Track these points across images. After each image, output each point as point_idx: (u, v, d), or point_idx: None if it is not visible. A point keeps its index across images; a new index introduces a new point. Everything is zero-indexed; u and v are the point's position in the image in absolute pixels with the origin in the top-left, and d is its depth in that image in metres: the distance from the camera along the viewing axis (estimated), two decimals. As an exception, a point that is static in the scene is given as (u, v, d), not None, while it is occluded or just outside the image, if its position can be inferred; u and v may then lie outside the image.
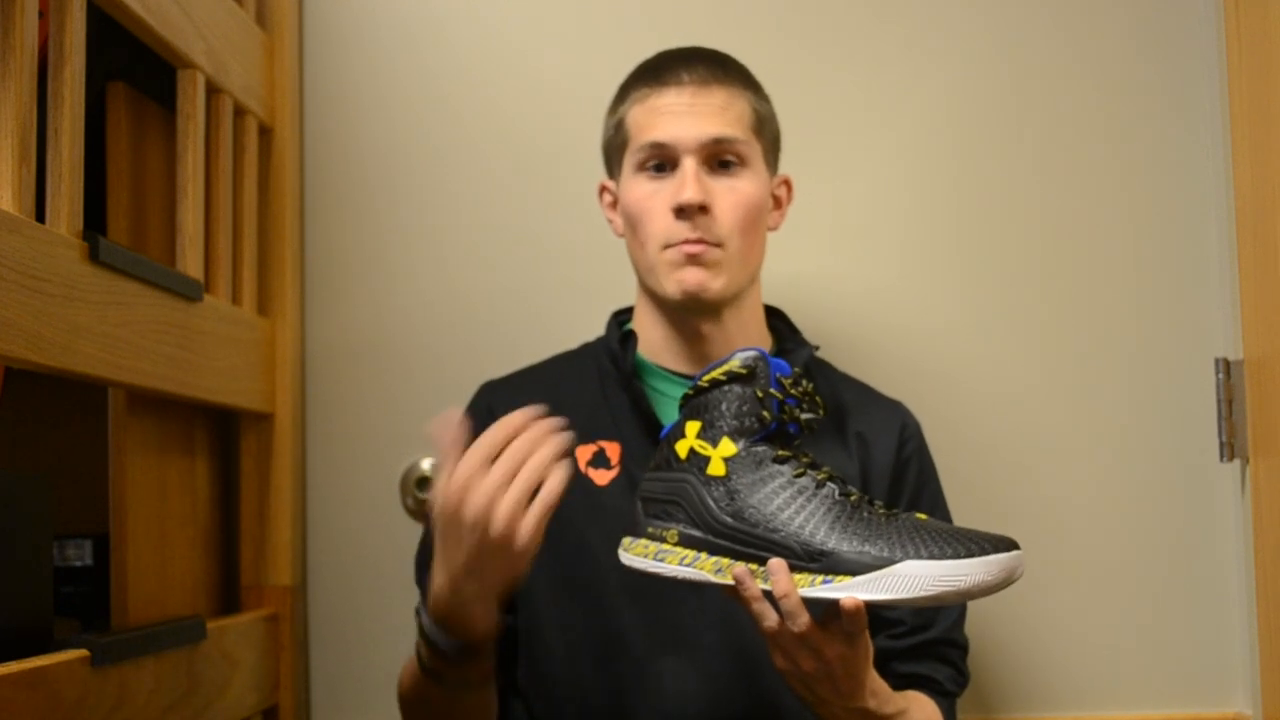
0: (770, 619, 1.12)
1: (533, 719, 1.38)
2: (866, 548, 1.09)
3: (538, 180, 1.74)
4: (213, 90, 1.48)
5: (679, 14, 1.74)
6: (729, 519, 1.13)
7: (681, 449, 1.17)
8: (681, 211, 1.36)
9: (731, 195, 1.37)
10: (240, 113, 1.57)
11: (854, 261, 1.73)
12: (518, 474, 1.14)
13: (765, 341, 1.47)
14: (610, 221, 1.49)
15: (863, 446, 1.43)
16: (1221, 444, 1.64)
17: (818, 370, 1.49)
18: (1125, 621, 1.69)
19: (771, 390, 1.15)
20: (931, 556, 1.07)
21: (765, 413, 1.15)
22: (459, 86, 1.75)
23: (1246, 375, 1.60)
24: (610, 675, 1.35)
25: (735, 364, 1.16)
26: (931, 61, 1.74)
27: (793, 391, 1.16)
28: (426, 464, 1.71)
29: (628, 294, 1.51)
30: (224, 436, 1.64)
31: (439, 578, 1.19)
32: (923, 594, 1.07)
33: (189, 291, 1.35)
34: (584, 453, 1.40)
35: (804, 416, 1.16)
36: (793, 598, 1.10)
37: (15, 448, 1.54)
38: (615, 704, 1.34)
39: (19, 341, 1.02)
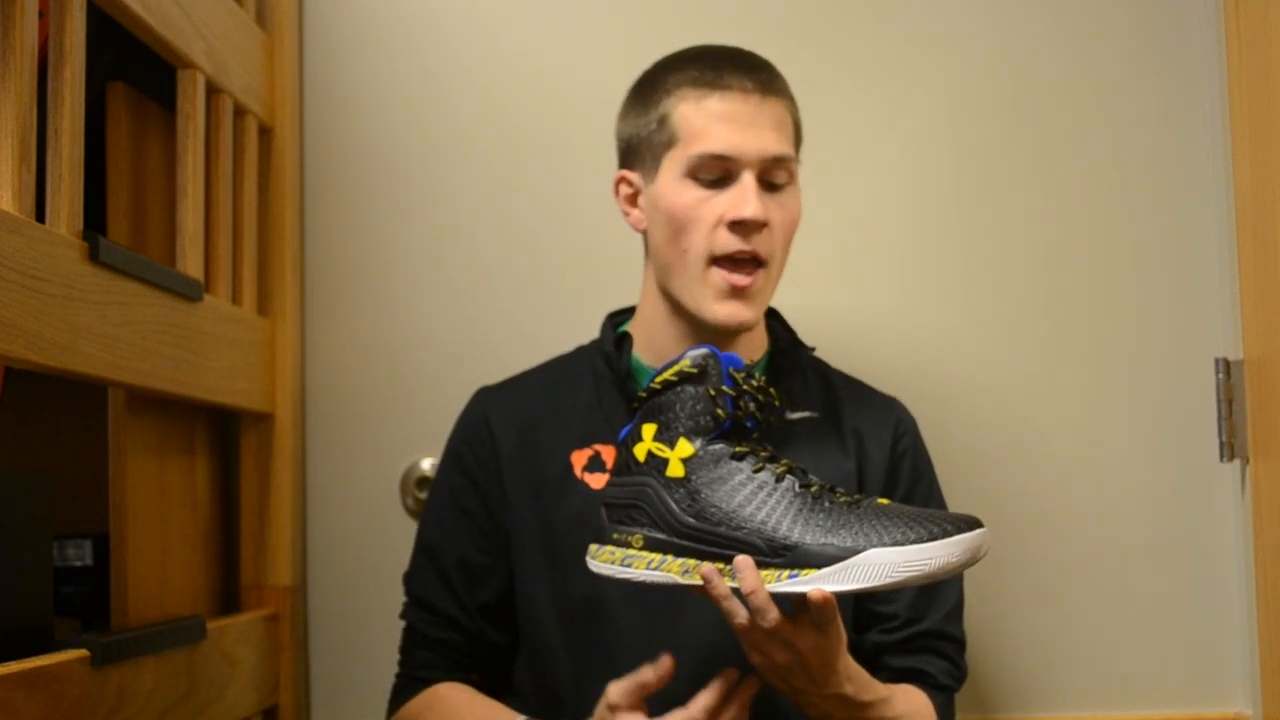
0: (741, 616, 1.13)
1: (531, 713, 1.38)
2: (830, 539, 1.10)
3: (537, 180, 1.74)
4: (213, 90, 1.48)
5: (679, 14, 1.74)
6: (691, 520, 1.13)
7: (640, 452, 1.17)
8: (740, 226, 1.33)
9: (782, 213, 1.36)
10: (240, 113, 1.57)
11: (852, 262, 1.73)
12: None
13: (763, 342, 1.47)
14: (626, 214, 1.43)
15: (858, 442, 1.43)
16: (1221, 444, 1.64)
17: (814, 370, 1.49)
18: (1125, 621, 1.69)
19: (724, 388, 1.16)
20: (895, 543, 1.08)
21: (719, 410, 1.15)
22: (459, 86, 1.75)
23: (1246, 375, 1.60)
24: (610, 677, 1.34)
25: (686, 364, 1.16)
26: (931, 62, 1.74)
27: (746, 386, 1.16)
28: (427, 464, 1.71)
29: (627, 294, 1.51)
30: (224, 436, 1.64)
31: None
32: (889, 580, 1.08)
33: (189, 291, 1.35)
34: (579, 457, 1.40)
35: (795, 416, 1.17)
36: (760, 594, 1.10)
37: (15, 448, 1.54)
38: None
39: (19, 341, 1.02)
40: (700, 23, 1.70)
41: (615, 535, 1.17)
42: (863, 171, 1.73)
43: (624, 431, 1.20)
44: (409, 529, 1.67)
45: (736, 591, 1.12)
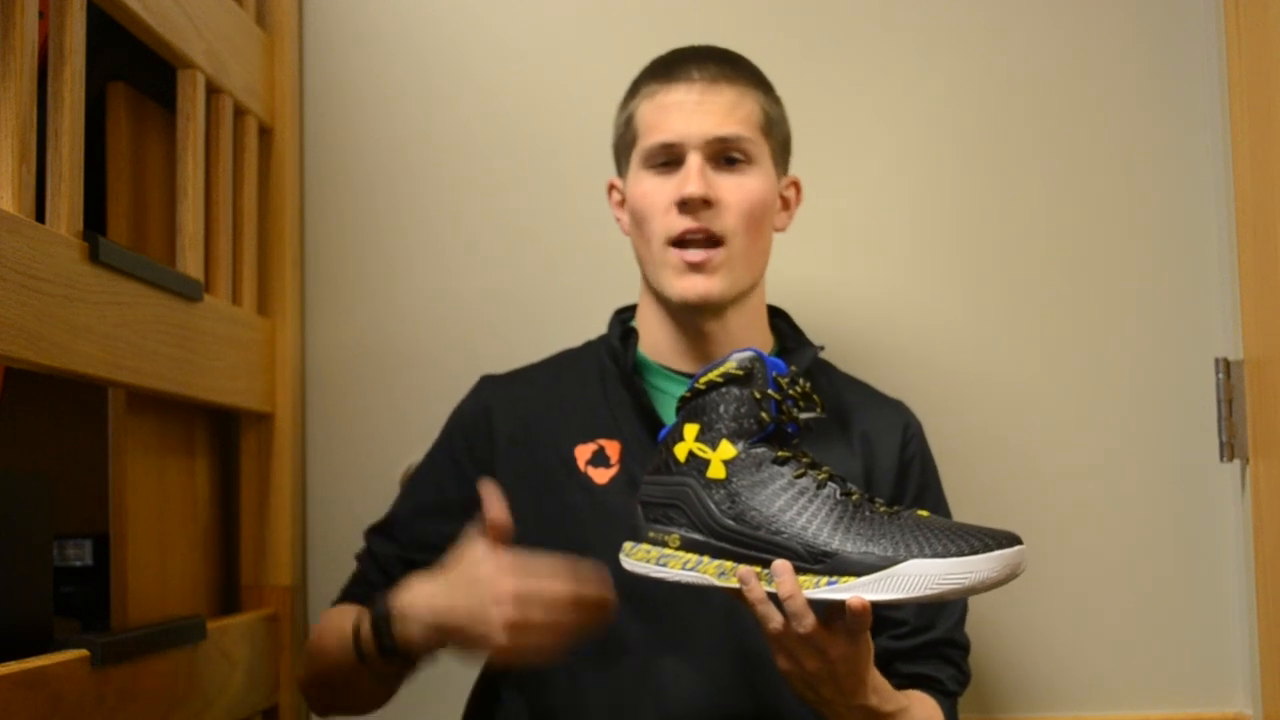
0: (775, 621, 1.12)
1: (533, 717, 1.38)
2: (870, 548, 1.09)
3: (538, 180, 1.74)
4: (213, 90, 1.48)
5: (680, 15, 1.74)
6: (731, 522, 1.13)
7: (680, 452, 1.17)
8: (685, 205, 1.36)
9: (737, 191, 1.37)
10: (240, 113, 1.57)
11: (856, 263, 1.73)
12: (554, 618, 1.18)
13: (768, 342, 1.47)
14: (618, 220, 1.48)
15: (866, 446, 1.43)
16: (1221, 444, 1.64)
17: (820, 371, 1.49)
18: (1125, 621, 1.69)
19: (770, 391, 1.15)
20: (935, 555, 1.07)
21: (764, 414, 1.15)
22: (459, 86, 1.75)
23: (1246, 375, 1.60)
24: (611, 675, 1.34)
25: (732, 365, 1.16)
26: (932, 63, 1.74)
27: (790, 391, 1.16)
28: (426, 464, 1.71)
29: (628, 294, 1.51)
30: (224, 436, 1.64)
31: (444, 623, 1.22)
32: (928, 592, 1.08)
33: (189, 291, 1.35)
34: (584, 451, 1.40)
35: (802, 416, 1.16)
36: (798, 599, 1.10)
37: (15, 448, 1.54)
38: (616, 703, 1.34)
39: (19, 341, 1.02)
40: (700, 23, 1.70)
41: (651, 534, 1.17)
42: (864, 173, 1.73)
43: (664, 431, 1.20)
44: (409, 529, 1.67)
45: (772, 596, 1.11)
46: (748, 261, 1.39)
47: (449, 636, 1.22)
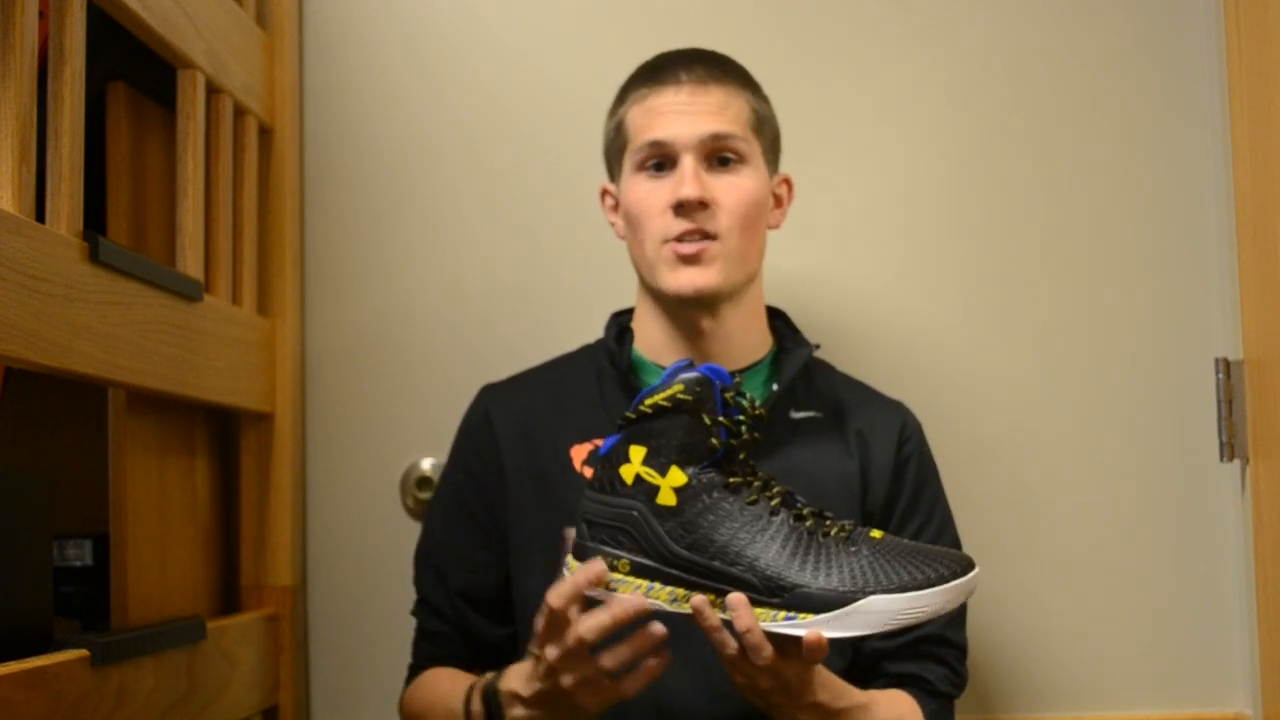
0: (730, 648, 1.12)
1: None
2: (829, 582, 1.09)
3: (538, 180, 1.74)
4: (213, 90, 1.48)
5: (679, 14, 1.74)
6: (684, 551, 1.12)
7: (627, 474, 1.14)
8: (680, 207, 1.36)
9: (732, 191, 1.38)
10: (240, 113, 1.57)
11: (854, 261, 1.73)
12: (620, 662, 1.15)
13: (766, 341, 1.47)
14: (612, 224, 1.49)
15: (862, 445, 1.43)
16: (1221, 444, 1.64)
17: (817, 370, 1.49)
18: (1125, 621, 1.69)
19: (720, 418, 1.14)
20: (893, 588, 1.08)
21: (714, 439, 1.13)
22: (459, 86, 1.75)
23: (1246, 375, 1.60)
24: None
25: (679, 389, 1.14)
26: (931, 61, 1.74)
27: (736, 405, 1.15)
28: (427, 464, 1.71)
29: (628, 295, 1.51)
30: (224, 436, 1.64)
31: (527, 694, 1.20)
32: (886, 627, 1.09)
33: (189, 291, 1.35)
34: (580, 451, 1.40)
35: (749, 435, 1.14)
36: (755, 633, 1.10)
37: (15, 448, 1.54)
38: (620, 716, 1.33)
39: (19, 341, 1.02)
40: (700, 23, 1.70)
41: (603, 557, 1.14)
42: (862, 171, 1.73)
43: (606, 446, 1.17)
44: (409, 529, 1.67)
45: (727, 623, 1.11)
46: (742, 258, 1.39)
47: (551, 714, 1.21)
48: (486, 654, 1.42)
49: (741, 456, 1.15)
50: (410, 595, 1.49)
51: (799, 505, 1.14)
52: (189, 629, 1.36)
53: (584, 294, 1.69)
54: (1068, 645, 1.69)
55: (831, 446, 1.42)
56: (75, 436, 1.52)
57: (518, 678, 1.22)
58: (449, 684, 1.36)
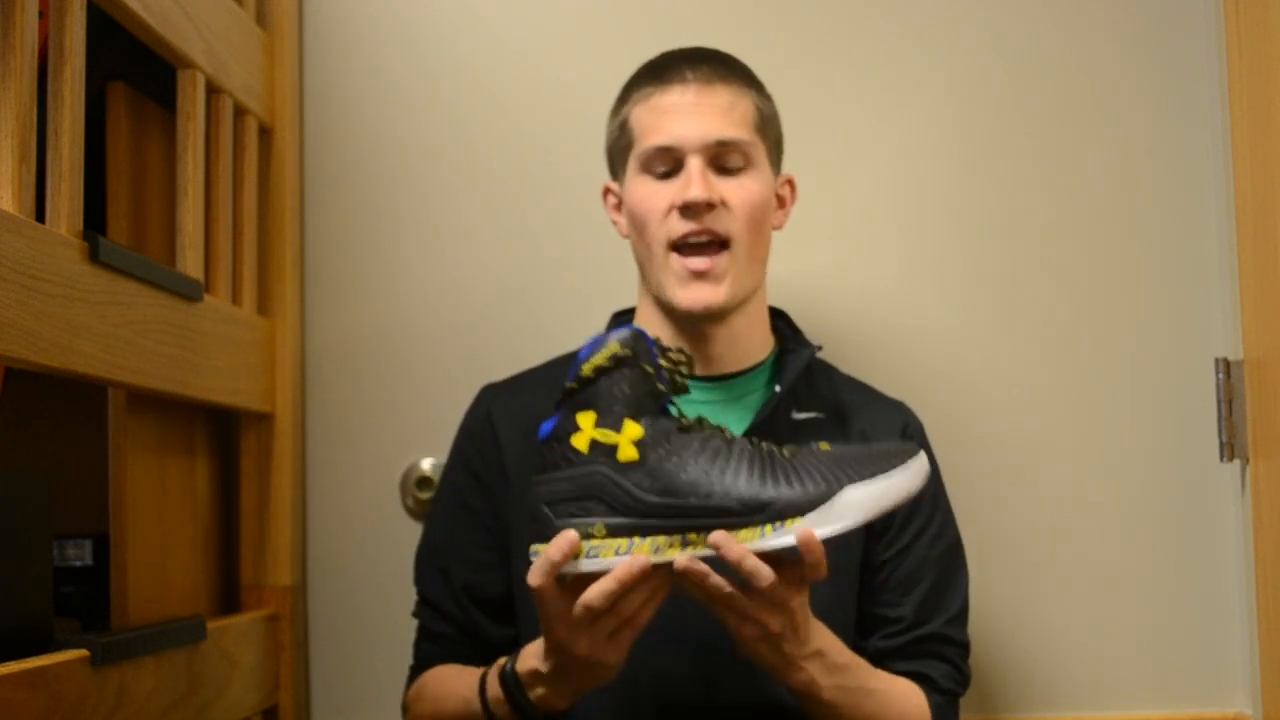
0: (727, 588, 1.13)
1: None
2: (805, 489, 1.11)
3: (538, 180, 1.74)
4: (213, 90, 1.48)
5: (679, 14, 1.74)
6: (656, 498, 1.13)
7: (580, 442, 1.15)
8: (688, 209, 1.35)
9: (740, 192, 1.37)
10: (240, 113, 1.57)
11: (855, 262, 1.73)
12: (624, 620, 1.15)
13: (769, 342, 1.47)
14: (615, 224, 1.48)
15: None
16: (1221, 444, 1.64)
17: (820, 371, 1.49)
18: (1125, 621, 1.69)
19: (660, 363, 1.16)
20: (863, 479, 1.11)
21: (660, 386, 1.15)
22: (459, 86, 1.75)
23: (1246, 375, 1.60)
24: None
25: (615, 347, 1.16)
26: (931, 61, 1.74)
27: (668, 358, 1.17)
28: (427, 464, 1.71)
29: (628, 295, 1.51)
30: (224, 436, 1.64)
31: (547, 669, 1.21)
32: (868, 515, 1.11)
33: (189, 291, 1.35)
34: None
35: (684, 381, 1.17)
36: (749, 558, 1.11)
37: (15, 448, 1.54)
38: (615, 700, 1.34)
39: (19, 341, 1.02)
40: (700, 23, 1.70)
41: (575, 528, 1.14)
42: (863, 172, 1.73)
43: (547, 427, 1.18)
44: (409, 529, 1.67)
45: (713, 564, 1.12)
46: (751, 266, 1.39)
47: (563, 686, 1.22)
48: (490, 654, 1.42)
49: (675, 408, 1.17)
50: (410, 595, 1.49)
51: (747, 437, 1.17)
52: (189, 629, 1.36)
53: (584, 294, 1.69)
54: (1068, 645, 1.69)
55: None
56: (75, 436, 1.52)
57: (535, 656, 1.22)
58: (457, 678, 1.36)
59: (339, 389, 1.73)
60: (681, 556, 1.12)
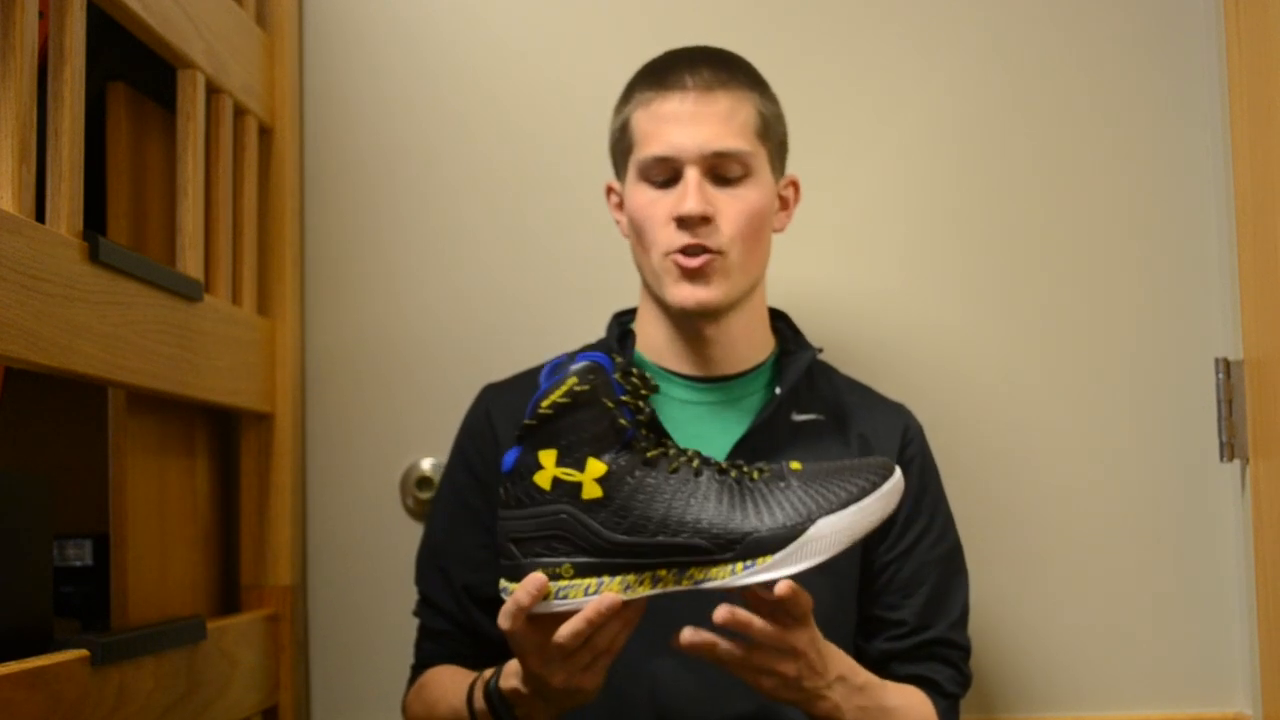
0: (738, 649, 1.15)
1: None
2: (775, 520, 1.10)
3: (538, 180, 1.74)
4: (213, 90, 1.47)
5: (679, 14, 1.74)
6: (624, 537, 1.11)
7: (543, 480, 1.13)
8: (683, 222, 1.35)
9: (735, 204, 1.37)
10: (240, 113, 1.57)
11: (855, 264, 1.73)
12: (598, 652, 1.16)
13: (769, 344, 1.47)
14: (617, 222, 1.48)
15: (865, 449, 1.43)
16: (1221, 444, 1.64)
17: (820, 373, 1.49)
18: (1125, 621, 1.69)
19: (621, 398, 1.13)
20: (834, 507, 1.10)
21: (621, 421, 1.13)
22: (459, 87, 1.75)
23: (1246, 375, 1.60)
24: (608, 684, 1.34)
25: (574, 382, 1.13)
26: (932, 63, 1.74)
27: (628, 385, 1.15)
28: (427, 464, 1.71)
29: (629, 295, 1.51)
30: (224, 436, 1.64)
31: (526, 691, 1.21)
32: (842, 546, 1.10)
33: (189, 291, 1.35)
34: None
35: (646, 408, 1.15)
36: (736, 612, 1.12)
37: (15, 448, 1.54)
38: (614, 705, 1.34)
39: (19, 341, 1.02)
40: (700, 22, 1.70)
41: (543, 569, 1.13)
42: (863, 173, 1.73)
43: (509, 460, 1.16)
44: (409, 529, 1.67)
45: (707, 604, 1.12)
46: (745, 270, 1.39)
47: (553, 703, 1.22)
48: (490, 652, 1.42)
49: (644, 431, 1.15)
50: (410, 595, 1.49)
51: (715, 462, 1.15)
52: (189, 629, 1.36)
53: (584, 294, 1.69)
54: (1068, 645, 1.69)
55: (834, 449, 1.42)
56: (75, 436, 1.52)
57: (515, 676, 1.23)
58: (450, 682, 1.36)
59: (339, 389, 1.73)
60: (686, 631, 1.14)
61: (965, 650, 1.43)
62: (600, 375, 1.13)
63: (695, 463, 1.14)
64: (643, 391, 1.15)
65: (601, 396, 1.13)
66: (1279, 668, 1.54)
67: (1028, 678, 1.69)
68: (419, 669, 1.46)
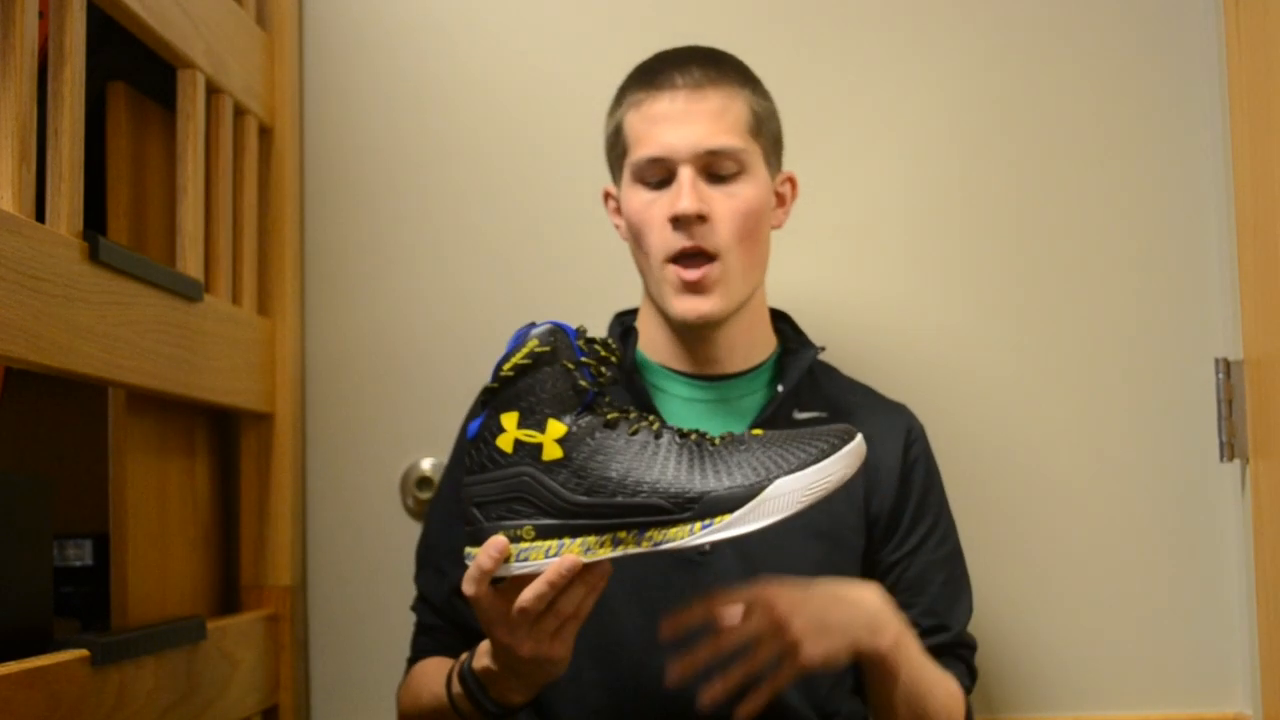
0: (760, 653, 1.20)
1: (536, 713, 1.38)
2: (734, 480, 1.09)
3: (538, 180, 1.74)
4: (213, 90, 1.48)
5: (679, 14, 1.74)
6: (583, 497, 1.11)
7: (505, 443, 1.13)
8: (678, 222, 1.35)
9: (730, 203, 1.36)
10: (240, 113, 1.57)
11: (856, 264, 1.73)
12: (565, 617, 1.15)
13: (770, 343, 1.47)
14: (616, 227, 1.48)
15: (868, 450, 1.43)
16: (1221, 444, 1.64)
17: (822, 373, 1.49)
18: (1125, 621, 1.69)
19: (581, 359, 1.14)
20: (793, 468, 1.09)
21: (582, 382, 1.13)
22: (459, 86, 1.75)
23: (1246, 375, 1.60)
24: (610, 669, 1.35)
25: (535, 344, 1.14)
26: (932, 63, 1.74)
27: (590, 350, 1.15)
28: (427, 464, 1.71)
29: (629, 295, 1.51)
30: (224, 436, 1.64)
31: (497, 668, 1.21)
32: (799, 506, 1.09)
33: (189, 291, 1.35)
34: None
35: (608, 374, 1.15)
36: (713, 605, 1.18)
37: (15, 448, 1.54)
38: (615, 703, 1.34)
39: (19, 341, 1.02)
40: (700, 22, 1.70)
41: (505, 531, 1.13)
42: (863, 174, 1.73)
43: (474, 428, 1.16)
44: (409, 529, 1.67)
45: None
46: (744, 273, 1.38)
47: (514, 682, 1.21)
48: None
49: (608, 400, 1.15)
50: (409, 593, 1.49)
51: (676, 427, 1.15)
52: (189, 629, 1.36)
53: (585, 294, 1.69)
54: (1068, 645, 1.69)
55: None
56: (75, 436, 1.52)
57: (486, 654, 1.22)
58: (435, 671, 1.36)
59: (339, 389, 1.73)
60: (678, 665, 1.21)
61: (974, 648, 1.44)
62: (561, 338, 1.14)
63: (655, 425, 1.14)
64: (603, 354, 1.15)
65: (562, 358, 1.13)
66: (1279, 668, 1.54)
67: (1028, 678, 1.69)
68: (412, 663, 1.46)
